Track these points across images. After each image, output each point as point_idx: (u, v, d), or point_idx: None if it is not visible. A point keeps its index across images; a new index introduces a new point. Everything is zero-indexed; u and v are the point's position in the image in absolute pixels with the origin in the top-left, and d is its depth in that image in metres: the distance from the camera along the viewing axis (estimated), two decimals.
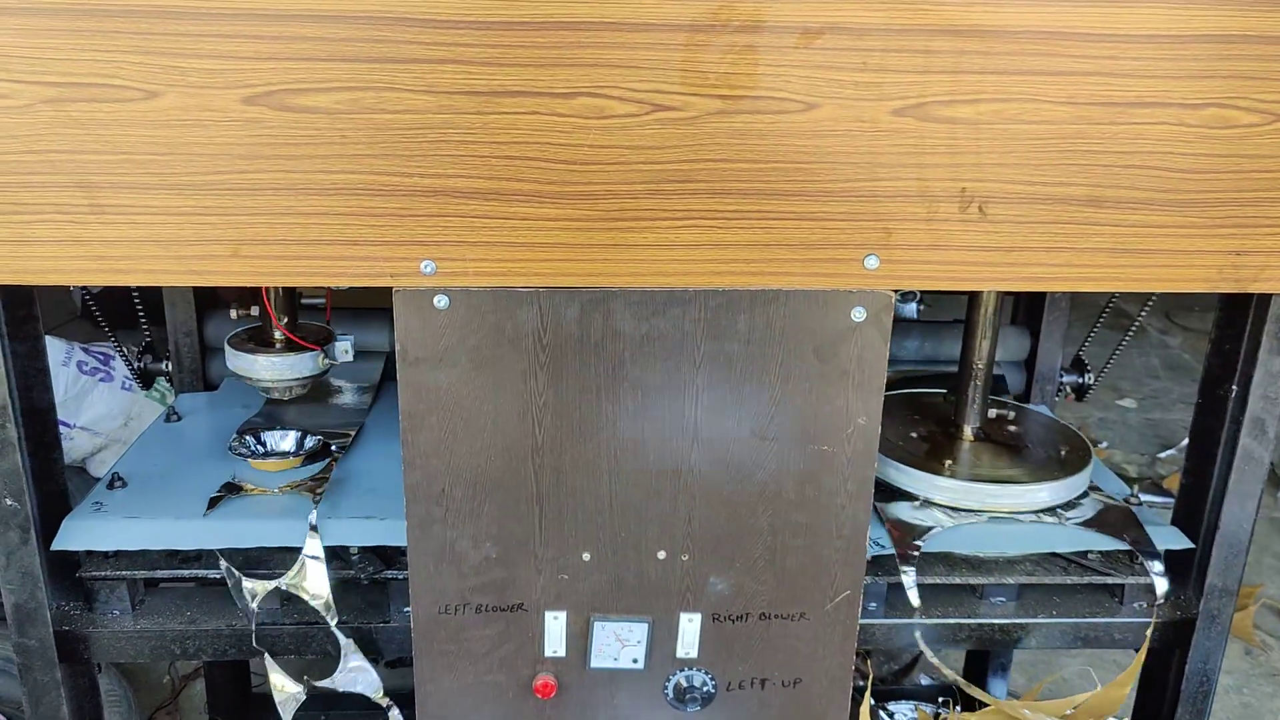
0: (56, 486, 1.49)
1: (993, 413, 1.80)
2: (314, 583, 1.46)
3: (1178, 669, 1.64)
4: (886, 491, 1.67)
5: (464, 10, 1.18)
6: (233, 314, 1.72)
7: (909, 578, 1.51)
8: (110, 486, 1.59)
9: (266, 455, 1.69)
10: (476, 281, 1.30)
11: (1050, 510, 1.65)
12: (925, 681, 2.70)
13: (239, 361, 1.63)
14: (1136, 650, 1.63)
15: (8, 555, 1.43)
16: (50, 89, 1.19)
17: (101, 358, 3.13)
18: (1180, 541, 1.61)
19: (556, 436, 1.38)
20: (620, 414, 1.37)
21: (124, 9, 1.16)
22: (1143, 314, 2.05)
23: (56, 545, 1.47)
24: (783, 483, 1.42)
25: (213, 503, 1.54)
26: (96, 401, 3.08)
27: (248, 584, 1.48)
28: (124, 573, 1.51)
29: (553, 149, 1.24)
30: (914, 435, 1.79)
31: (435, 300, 1.30)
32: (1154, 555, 1.57)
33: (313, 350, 1.65)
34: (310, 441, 1.69)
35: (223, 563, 1.49)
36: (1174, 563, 1.62)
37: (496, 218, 1.27)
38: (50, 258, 1.25)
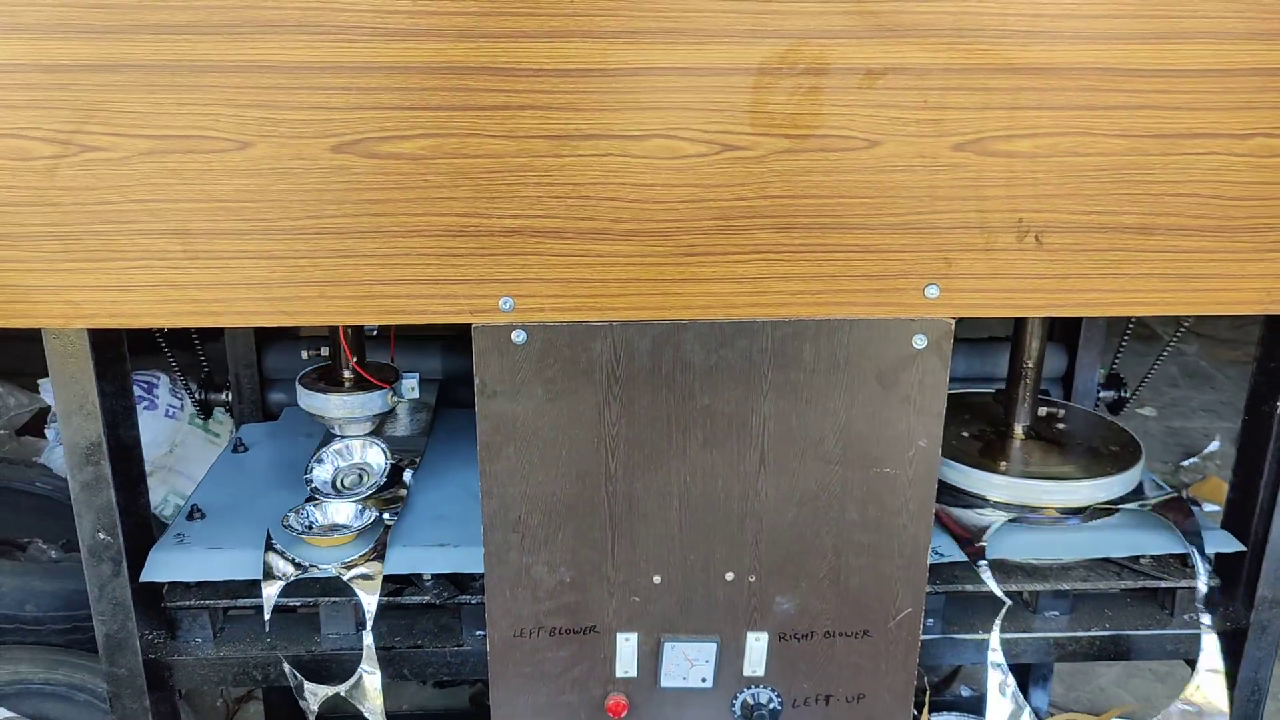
0: (142, 519, 1.54)
1: (1042, 411, 1.83)
2: (370, 696, 1.50)
3: (1229, 679, 1.68)
4: (941, 492, 1.67)
5: (544, 59, 1.23)
6: (304, 355, 1.78)
7: (986, 572, 1.56)
8: (190, 518, 1.64)
9: (323, 529, 1.63)
10: (553, 316, 1.35)
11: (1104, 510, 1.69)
12: (966, 692, 2.74)
13: (311, 400, 1.68)
14: (1186, 660, 1.67)
15: (100, 587, 1.48)
16: (148, 141, 1.24)
17: (145, 386, 3.18)
18: (1231, 544, 1.65)
19: (629, 464, 1.42)
20: (690, 442, 1.42)
21: (219, 64, 1.22)
22: (1177, 335, 2.10)
23: (145, 577, 1.51)
24: (846, 505, 1.46)
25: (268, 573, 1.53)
26: (142, 429, 3.12)
27: (309, 687, 1.53)
28: (206, 601, 1.56)
29: (626, 189, 1.30)
30: (965, 435, 1.81)
31: (513, 335, 1.35)
32: (1202, 554, 1.61)
33: (382, 388, 1.70)
34: (366, 514, 1.64)
35: (286, 666, 1.54)
36: (1223, 573, 1.66)
37: (572, 255, 1.32)
38: (147, 301, 1.30)
